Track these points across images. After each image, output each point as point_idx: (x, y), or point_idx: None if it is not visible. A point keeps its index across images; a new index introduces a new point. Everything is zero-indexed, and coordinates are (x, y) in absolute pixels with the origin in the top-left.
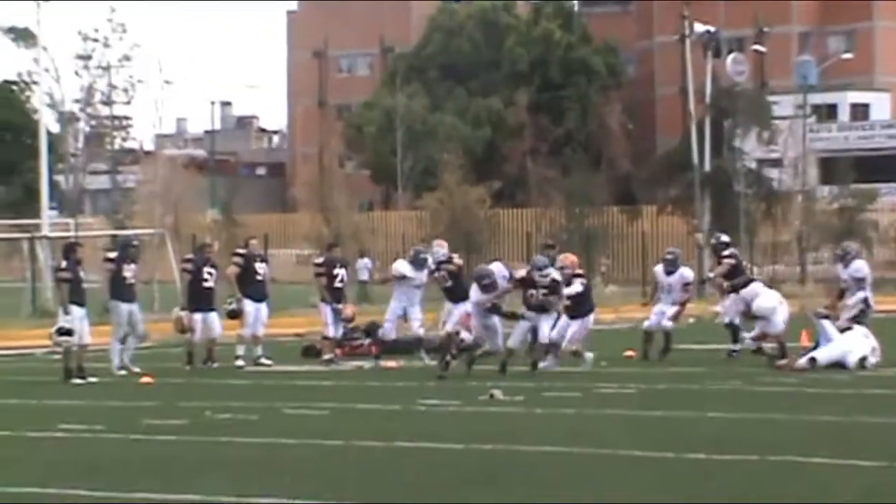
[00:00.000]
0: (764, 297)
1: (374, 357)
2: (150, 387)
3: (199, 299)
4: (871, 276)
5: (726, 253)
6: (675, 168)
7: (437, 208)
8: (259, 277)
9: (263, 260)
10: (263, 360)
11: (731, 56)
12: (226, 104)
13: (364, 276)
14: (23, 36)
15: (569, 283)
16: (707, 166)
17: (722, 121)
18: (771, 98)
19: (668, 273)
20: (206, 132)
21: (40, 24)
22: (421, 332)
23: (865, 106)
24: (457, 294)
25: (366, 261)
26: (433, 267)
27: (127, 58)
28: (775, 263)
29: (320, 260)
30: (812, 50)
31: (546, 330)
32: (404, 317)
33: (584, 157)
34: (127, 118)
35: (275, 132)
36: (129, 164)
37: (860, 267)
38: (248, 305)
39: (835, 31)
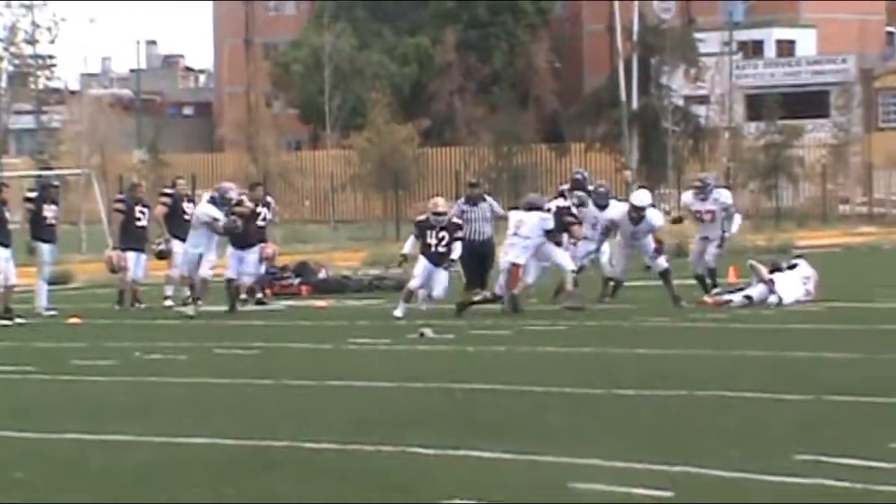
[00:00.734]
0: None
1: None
2: (78, 327)
3: (132, 239)
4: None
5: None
6: (603, 106)
7: (366, 147)
8: (187, 218)
9: (191, 200)
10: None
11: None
12: (151, 43)
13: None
14: None
15: None
16: (634, 104)
17: (649, 58)
18: (697, 35)
19: (601, 207)
20: (132, 71)
21: None
22: (209, 274)
23: (791, 42)
24: (243, 239)
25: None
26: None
27: None
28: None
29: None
30: None
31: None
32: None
33: (512, 95)
34: (51, 57)
35: (201, 71)
36: (54, 105)
37: (726, 194)
38: (177, 246)
39: None
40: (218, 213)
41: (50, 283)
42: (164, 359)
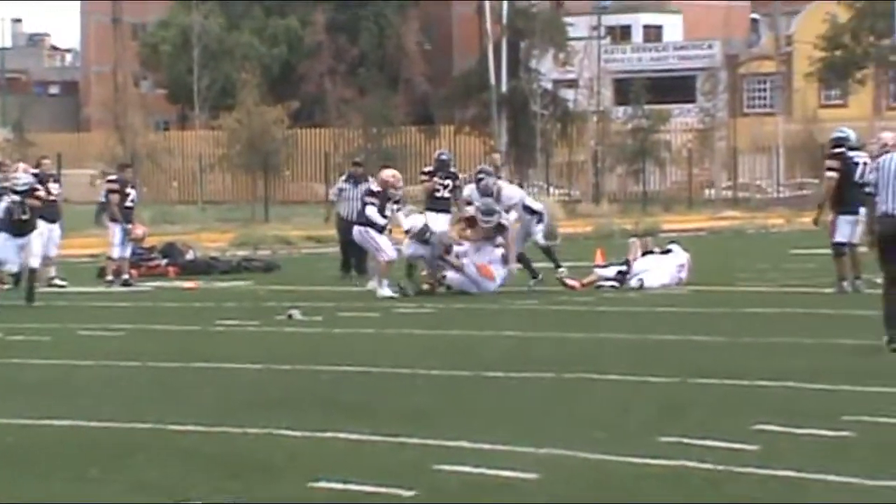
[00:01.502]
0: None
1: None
2: None
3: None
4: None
5: None
6: (472, 88)
7: (235, 128)
8: (52, 198)
9: (56, 180)
10: (57, 281)
11: None
12: (16, 21)
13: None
14: None
15: None
16: (504, 87)
17: (518, 41)
18: (566, 19)
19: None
20: None
21: None
22: (35, 263)
23: (658, 27)
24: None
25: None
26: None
27: None
28: (570, 183)
29: (113, 178)
30: None
31: None
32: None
33: (382, 77)
34: None
35: (67, 50)
36: None
37: (511, 195)
38: (41, 226)
39: None
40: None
41: None
42: (28, 340)
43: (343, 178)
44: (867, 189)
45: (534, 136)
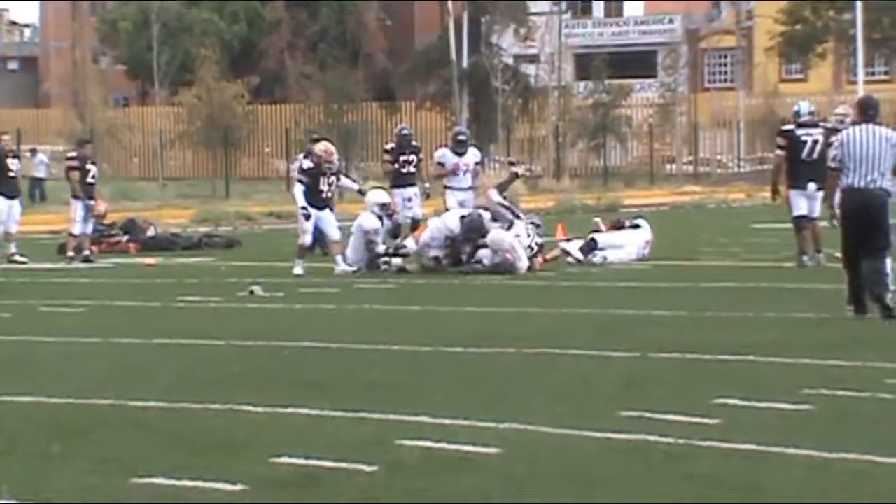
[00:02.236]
0: None
1: None
2: None
3: None
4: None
5: None
6: (434, 64)
7: (195, 104)
8: (11, 174)
9: (15, 156)
10: (17, 258)
11: None
12: None
13: (41, 172)
14: None
15: None
16: (465, 63)
17: (479, 17)
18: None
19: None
20: None
21: None
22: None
23: (619, 2)
24: None
25: (41, 157)
26: None
27: None
28: (532, 158)
29: (73, 155)
30: None
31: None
32: None
33: (342, 52)
34: None
35: (26, 25)
36: None
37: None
38: (1, 203)
39: None
40: None
41: None
42: None
43: (303, 155)
44: (830, 164)
45: (495, 111)
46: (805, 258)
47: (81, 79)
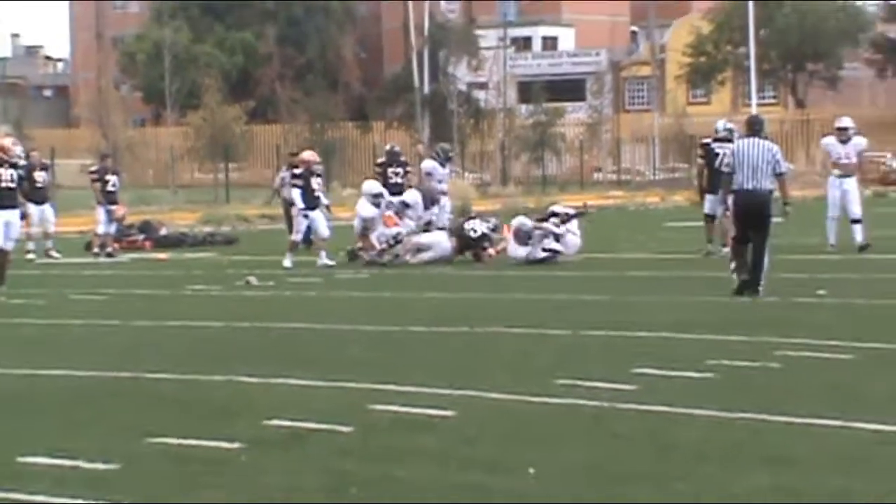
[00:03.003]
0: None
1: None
2: None
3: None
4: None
5: None
6: (400, 90)
7: (201, 125)
8: (38, 185)
9: (44, 168)
10: (53, 253)
11: (447, 2)
12: (15, 35)
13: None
14: None
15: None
16: (426, 89)
17: (437, 51)
18: (478, 32)
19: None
20: None
21: None
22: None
23: (554, 38)
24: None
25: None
26: None
27: None
28: (483, 169)
29: (95, 168)
30: None
31: None
32: None
33: (324, 81)
34: None
35: (59, 60)
36: None
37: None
38: (31, 208)
39: None
40: None
41: None
42: (27, 303)
43: (285, 168)
44: (724, 169)
45: (451, 130)
46: (710, 246)
47: (105, 103)
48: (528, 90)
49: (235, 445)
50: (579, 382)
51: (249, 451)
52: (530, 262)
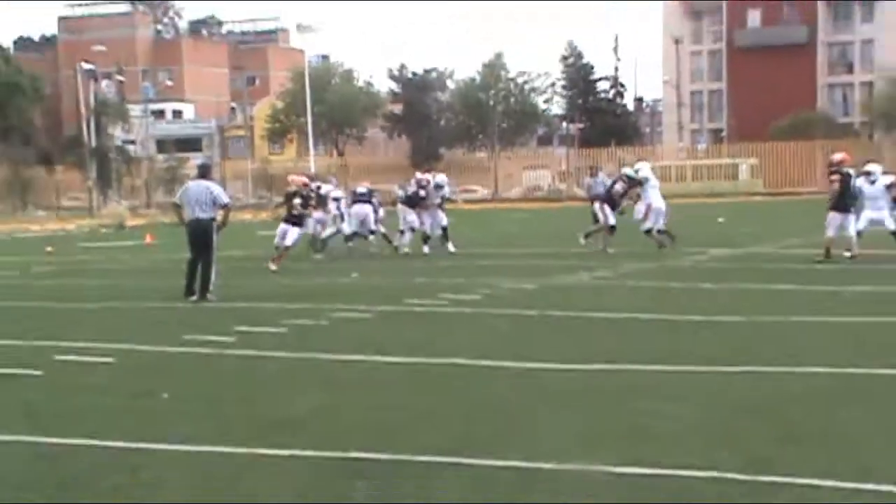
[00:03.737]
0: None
1: None
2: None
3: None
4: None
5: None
6: (75, 144)
7: None
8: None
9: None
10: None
11: (105, 82)
12: None
13: None
14: None
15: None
16: (93, 143)
17: (100, 117)
18: (128, 105)
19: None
20: None
21: None
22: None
23: (180, 111)
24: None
25: None
26: None
27: None
28: (133, 197)
29: None
30: (151, 77)
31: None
32: None
33: (19, 138)
34: None
35: None
36: None
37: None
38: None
39: (162, 69)
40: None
41: None
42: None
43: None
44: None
45: (110, 172)
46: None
47: None
48: (163, 145)
49: None
50: (197, 337)
51: None
52: None
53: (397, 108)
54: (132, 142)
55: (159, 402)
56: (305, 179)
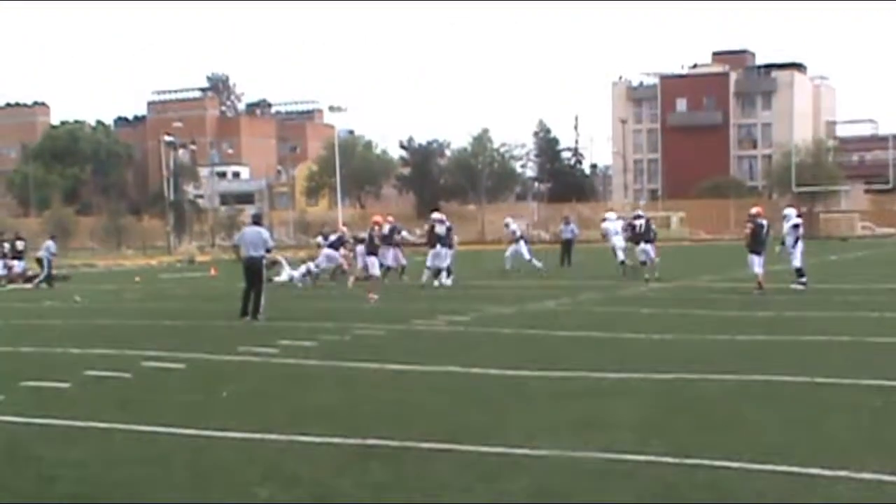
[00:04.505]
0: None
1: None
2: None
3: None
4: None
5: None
6: (157, 198)
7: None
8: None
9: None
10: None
11: (182, 150)
12: None
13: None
14: None
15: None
16: (172, 197)
17: (178, 177)
18: (199, 168)
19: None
20: None
21: None
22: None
23: (238, 172)
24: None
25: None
26: None
27: None
28: (202, 239)
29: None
30: (216, 146)
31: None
32: None
33: (116, 192)
34: None
35: None
36: None
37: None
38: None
39: (225, 140)
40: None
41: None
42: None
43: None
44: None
45: (185, 219)
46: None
47: None
48: (224, 198)
49: (68, 385)
50: (250, 348)
51: (81, 387)
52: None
53: (406, 171)
54: (201, 196)
55: (220, 399)
56: (379, 219)
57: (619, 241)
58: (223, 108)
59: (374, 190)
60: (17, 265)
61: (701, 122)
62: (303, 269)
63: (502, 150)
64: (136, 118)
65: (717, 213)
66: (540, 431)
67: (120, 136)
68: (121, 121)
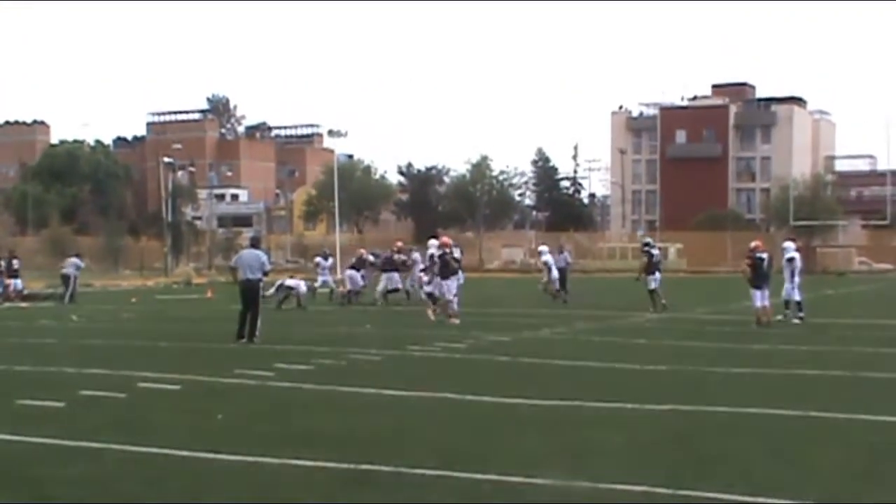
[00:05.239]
0: None
1: None
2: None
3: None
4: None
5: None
6: (155, 219)
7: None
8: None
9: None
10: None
11: (181, 172)
12: None
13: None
14: None
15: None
16: (170, 218)
17: (176, 198)
18: (198, 190)
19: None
20: None
21: None
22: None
23: (237, 194)
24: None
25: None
26: None
27: None
28: (198, 261)
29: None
30: (215, 169)
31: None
32: None
33: (115, 212)
34: None
35: None
36: None
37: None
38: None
39: (224, 163)
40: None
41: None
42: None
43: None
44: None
45: (182, 241)
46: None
47: None
48: (222, 221)
49: (62, 404)
50: (245, 371)
51: (76, 407)
52: None
53: (405, 197)
54: (199, 218)
55: (214, 421)
56: (446, 240)
57: (555, 272)
58: (223, 130)
59: (372, 215)
60: (13, 284)
61: (700, 154)
62: (303, 286)
63: (501, 178)
64: (136, 139)
65: (715, 245)
66: (534, 459)
67: (119, 156)
68: (120, 141)
